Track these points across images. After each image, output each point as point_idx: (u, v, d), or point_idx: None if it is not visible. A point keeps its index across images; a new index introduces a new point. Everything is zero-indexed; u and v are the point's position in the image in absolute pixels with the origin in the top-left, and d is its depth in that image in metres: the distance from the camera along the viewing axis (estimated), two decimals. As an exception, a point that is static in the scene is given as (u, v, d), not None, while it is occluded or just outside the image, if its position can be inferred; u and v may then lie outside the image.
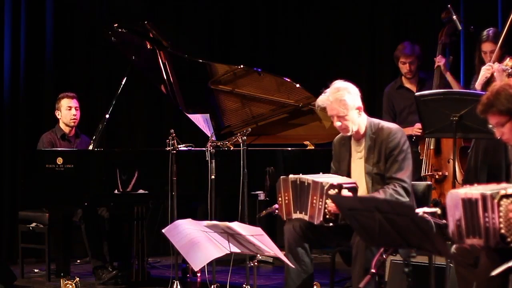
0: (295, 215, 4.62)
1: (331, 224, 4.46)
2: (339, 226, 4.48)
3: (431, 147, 6.33)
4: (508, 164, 4.43)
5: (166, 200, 5.71)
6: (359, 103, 4.64)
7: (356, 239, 4.39)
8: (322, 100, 4.67)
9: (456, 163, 5.83)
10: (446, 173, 6.22)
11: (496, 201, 3.44)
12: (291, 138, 6.78)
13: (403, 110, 6.64)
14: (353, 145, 4.75)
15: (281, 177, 4.71)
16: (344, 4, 8.31)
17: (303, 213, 4.57)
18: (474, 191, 3.53)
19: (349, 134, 4.68)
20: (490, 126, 3.78)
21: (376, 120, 4.73)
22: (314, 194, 4.48)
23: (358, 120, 4.65)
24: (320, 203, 4.45)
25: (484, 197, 3.48)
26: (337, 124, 4.63)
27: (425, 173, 6.31)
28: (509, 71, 5.56)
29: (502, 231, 3.44)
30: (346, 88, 4.63)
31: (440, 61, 6.46)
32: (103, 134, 6.60)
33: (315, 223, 4.50)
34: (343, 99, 4.58)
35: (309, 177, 4.55)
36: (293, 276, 4.62)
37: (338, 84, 4.66)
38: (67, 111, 6.76)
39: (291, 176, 4.66)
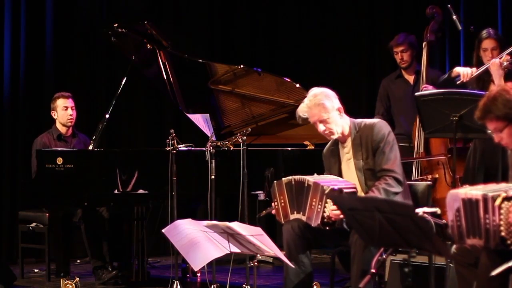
0: (293, 216, 4.62)
1: (327, 228, 4.49)
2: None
3: (421, 150, 6.31)
4: (504, 166, 4.43)
5: (166, 200, 5.70)
6: (338, 104, 4.70)
7: (354, 238, 4.41)
8: (302, 109, 4.74)
9: (444, 165, 5.87)
10: (437, 176, 6.19)
11: (497, 203, 3.44)
12: (291, 138, 6.77)
13: (398, 100, 6.66)
14: (341, 149, 4.78)
15: (275, 181, 4.74)
16: (344, 4, 8.31)
17: (301, 213, 4.57)
18: (475, 191, 3.53)
19: (335, 137, 4.72)
20: (489, 131, 3.77)
21: (358, 120, 4.78)
22: (314, 197, 4.49)
23: (341, 122, 4.69)
24: (319, 206, 4.46)
25: (485, 198, 3.47)
26: (321, 128, 4.68)
27: (416, 177, 6.28)
28: (504, 64, 5.57)
29: (502, 233, 3.43)
30: (322, 92, 4.70)
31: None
32: (103, 134, 6.60)
33: (312, 225, 4.51)
34: (321, 103, 4.64)
35: (310, 178, 4.56)
36: (292, 276, 4.63)
37: (314, 91, 4.73)
38: (63, 111, 6.75)
39: (284, 179, 4.69)
